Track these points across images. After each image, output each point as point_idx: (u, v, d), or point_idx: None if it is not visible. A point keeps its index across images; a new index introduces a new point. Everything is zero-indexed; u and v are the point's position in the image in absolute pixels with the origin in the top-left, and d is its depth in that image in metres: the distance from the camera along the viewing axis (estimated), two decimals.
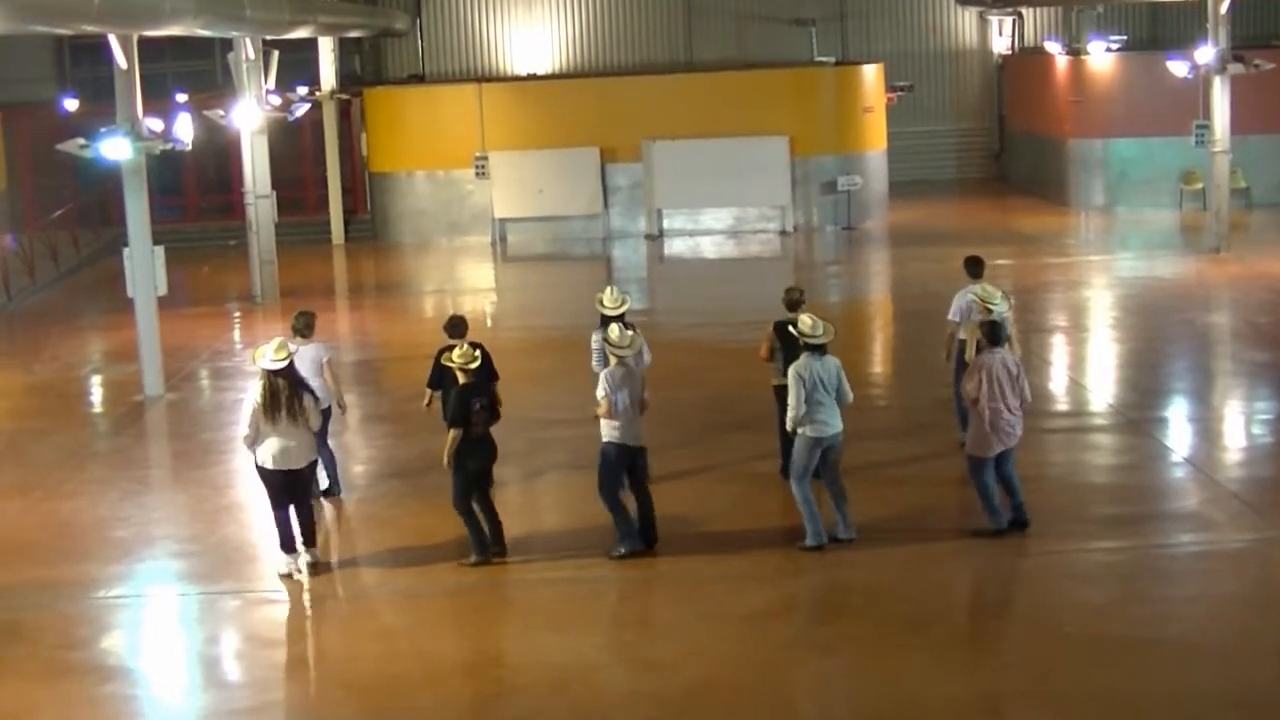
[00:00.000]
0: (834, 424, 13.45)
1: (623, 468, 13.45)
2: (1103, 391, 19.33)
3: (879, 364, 23.05)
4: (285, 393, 13.10)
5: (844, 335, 24.36)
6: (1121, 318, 24.19)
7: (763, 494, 15.01)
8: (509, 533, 13.68)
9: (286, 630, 12.73)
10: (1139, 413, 17.91)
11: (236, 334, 25.70)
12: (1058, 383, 20.07)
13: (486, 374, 14.03)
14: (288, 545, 13.39)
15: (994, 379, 13.39)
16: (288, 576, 13.33)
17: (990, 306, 14.51)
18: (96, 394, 22.21)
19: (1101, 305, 25.50)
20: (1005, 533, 13.46)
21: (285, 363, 13.17)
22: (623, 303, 15.02)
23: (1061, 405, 19.01)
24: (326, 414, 14.91)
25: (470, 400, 13.24)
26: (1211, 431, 17.48)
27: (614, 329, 13.65)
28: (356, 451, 17.76)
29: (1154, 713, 10.45)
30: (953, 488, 15.02)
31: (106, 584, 13.51)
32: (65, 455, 17.75)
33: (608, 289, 15.25)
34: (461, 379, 13.36)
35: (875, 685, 10.98)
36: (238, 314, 27.28)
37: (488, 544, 13.43)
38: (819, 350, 13.40)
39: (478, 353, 13.60)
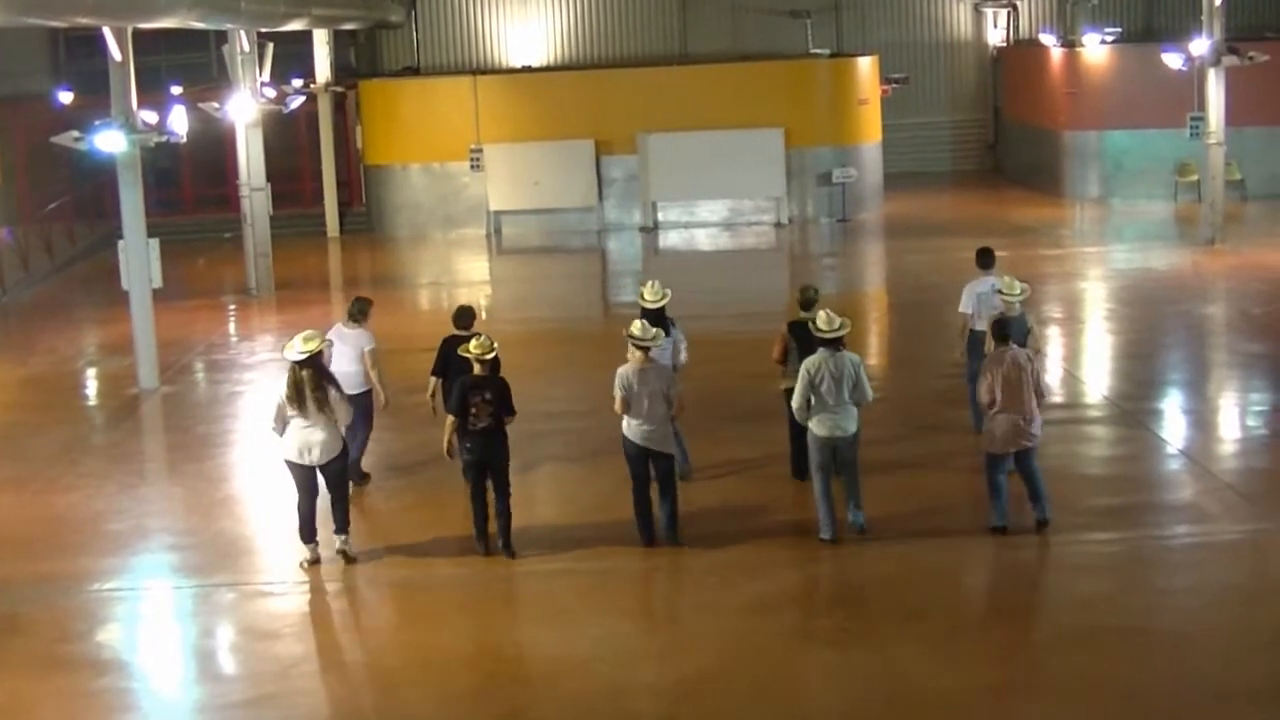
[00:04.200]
0: (844, 425, 13.28)
1: (641, 466, 13.42)
2: (1098, 383, 19.34)
3: (875, 356, 23.05)
4: (310, 384, 13.03)
5: None
6: (1116, 309, 24.19)
7: (764, 487, 15.01)
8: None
9: (283, 623, 12.71)
10: (1134, 404, 17.93)
11: (232, 327, 25.68)
12: (1053, 374, 20.07)
13: (497, 368, 13.92)
14: (305, 534, 13.40)
15: (1007, 380, 13.17)
16: (310, 564, 13.34)
17: (1007, 299, 14.41)
18: (92, 387, 22.20)
19: (1096, 297, 25.51)
20: (1004, 531, 13.41)
21: (308, 355, 13.08)
22: (664, 296, 14.94)
23: (1057, 397, 19.01)
24: (365, 400, 14.99)
25: (469, 393, 13.20)
26: (1206, 423, 17.50)
27: (637, 324, 13.52)
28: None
29: (1149, 703, 10.48)
30: (951, 479, 15.05)
31: (102, 577, 13.51)
32: (61, 449, 17.75)
33: (649, 282, 15.15)
34: (477, 369, 13.31)
35: (873, 676, 11.00)
36: (233, 307, 27.26)
37: (484, 536, 13.43)
38: (833, 345, 13.30)
39: (495, 345, 13.44)
